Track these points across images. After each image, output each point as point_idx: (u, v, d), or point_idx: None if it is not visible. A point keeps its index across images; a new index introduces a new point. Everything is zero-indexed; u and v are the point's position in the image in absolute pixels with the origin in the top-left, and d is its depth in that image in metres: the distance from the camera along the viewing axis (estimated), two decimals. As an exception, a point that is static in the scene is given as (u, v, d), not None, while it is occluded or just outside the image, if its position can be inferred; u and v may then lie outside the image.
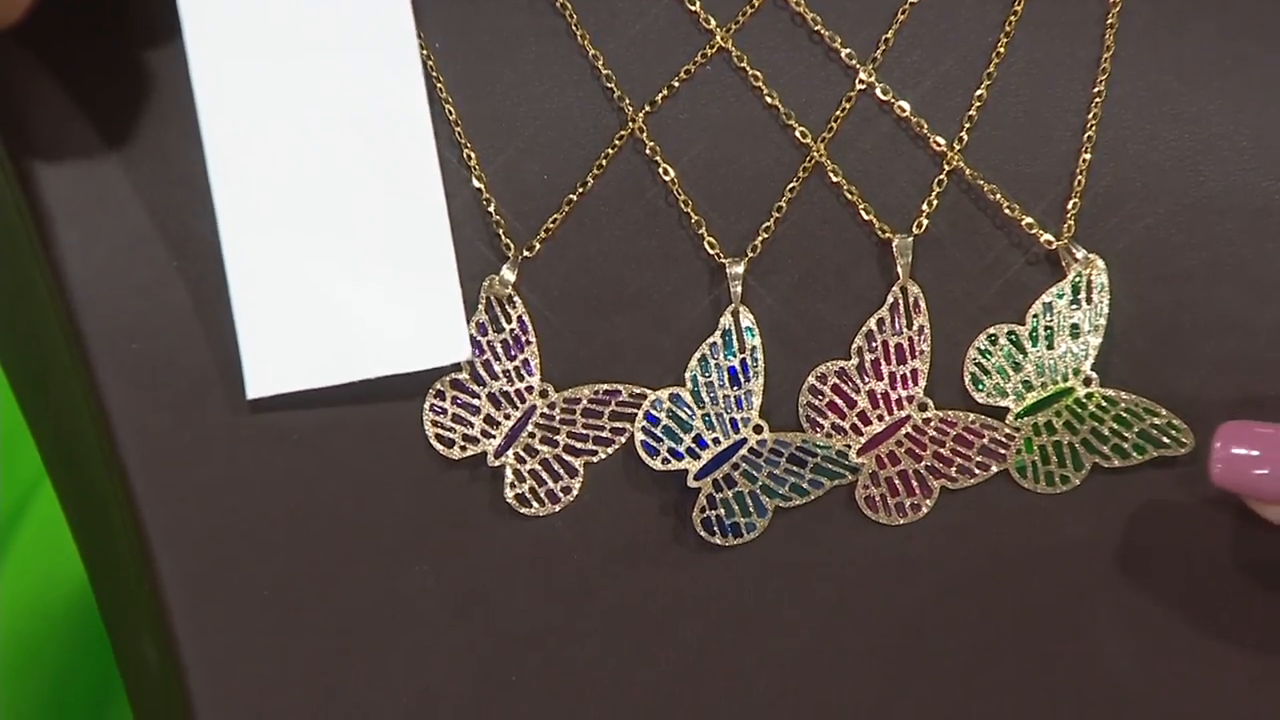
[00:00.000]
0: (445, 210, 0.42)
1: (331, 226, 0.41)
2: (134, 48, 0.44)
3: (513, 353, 0.44)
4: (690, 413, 0.44)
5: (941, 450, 0.45)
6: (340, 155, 0.41)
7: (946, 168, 0.44)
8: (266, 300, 0.41)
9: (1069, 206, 0.44)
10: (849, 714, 0.46)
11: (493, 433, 0.45)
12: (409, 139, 0.41)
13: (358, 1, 0.41)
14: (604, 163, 0.44)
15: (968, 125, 0.44)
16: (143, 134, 0.44)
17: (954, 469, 0.45)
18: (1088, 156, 0.44)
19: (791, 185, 0.44)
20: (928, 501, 0.45)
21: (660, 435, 0.44)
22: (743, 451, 0.44)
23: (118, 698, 0.57)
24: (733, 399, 0.44)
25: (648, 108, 0.44)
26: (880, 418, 0.45)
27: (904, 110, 0.44)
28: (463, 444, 0.45)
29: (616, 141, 0.44)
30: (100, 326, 0.45)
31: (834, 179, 0.44)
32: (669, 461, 0.44)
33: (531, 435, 0.45)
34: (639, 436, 0.44)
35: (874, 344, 0.44)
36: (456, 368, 0.44)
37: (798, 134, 0.44)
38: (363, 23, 0.41)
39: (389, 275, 0.40)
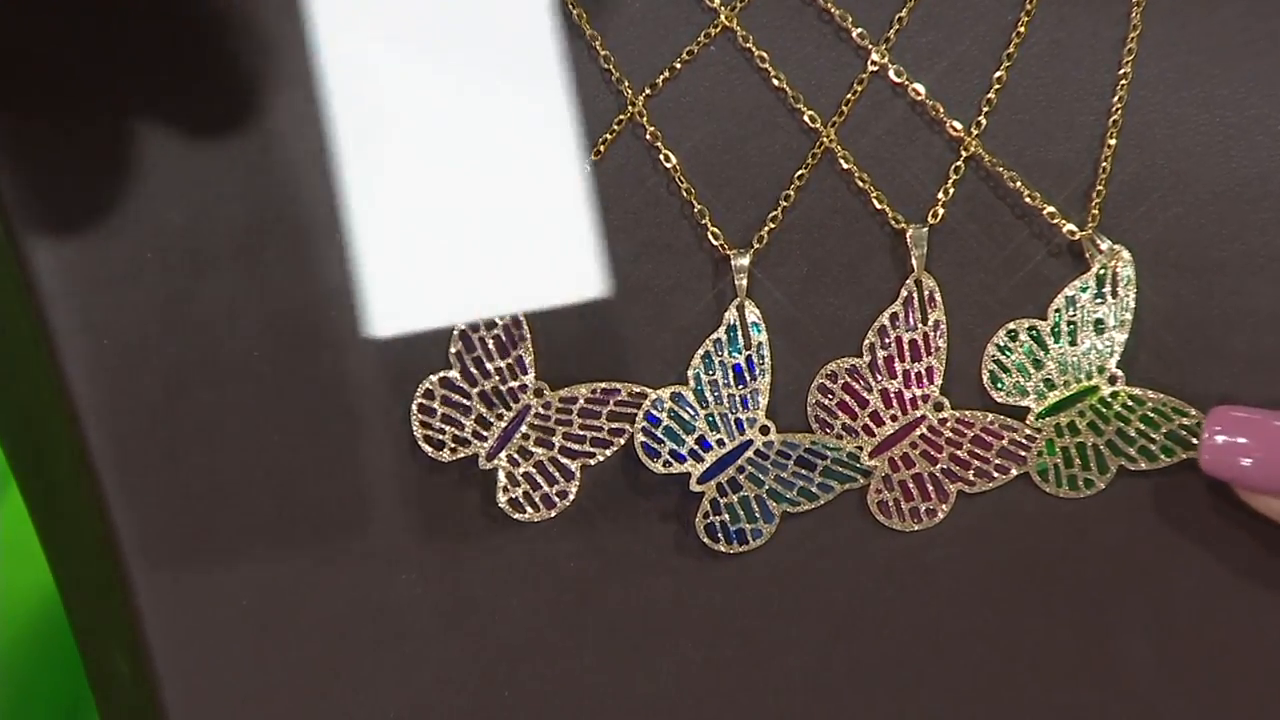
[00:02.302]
0: (578, 148, 0.40)
1: (455, 154, 0.39)
2: (104, 32, 0.44)
3: (506, 349, 0.44)
4: (693, 413, 0.44)
5: (958, 452, 0.44)
6: (468, 91, 0.39)
7: (964, 154, 0.44)
8: (390, 235, 0.39)
9: (1093, 195, 0.44)
10: (860, 730, 0.46)
11: (485, 434, 0.44)
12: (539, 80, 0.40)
13: None
14: (602, 148, 0.44)
15: (986, 109, 0.44)
16: (114, 121, 0.44)
17: (971, 472, 0.44)
18: (1113, 142, 0.44)
19: (800, 173, 0.44)
20: (944, 506, 0.45)
21: (661, 436, 0.44)
22: (748, 454, 0.44)
23: (87, 712, 0.57)
24: (738, 398, 0.44)
25: (648, 90, 0.44)
26: (894, 418, 0.44)
27: (919, 93, 0.44)
28: (453, 446, 0.44)
29: (615, 126, 0.44)
30: (70, 321, 0.44)
31: (845, 166, 0.44)
32: (670, 464, 0.44)
33: (525, 437, 0.44)
34: (639, 438, 0.44)
35: (887, 340, 0.44)
36: (446, 364, 0.44)
37: (806, 118, 0.44)
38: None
39: (516, 209, 0.39)
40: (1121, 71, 0.43)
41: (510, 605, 0.45)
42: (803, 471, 0.44)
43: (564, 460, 0.44)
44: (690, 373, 0.44)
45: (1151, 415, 0.43)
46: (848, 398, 0.44)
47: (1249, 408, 0.42)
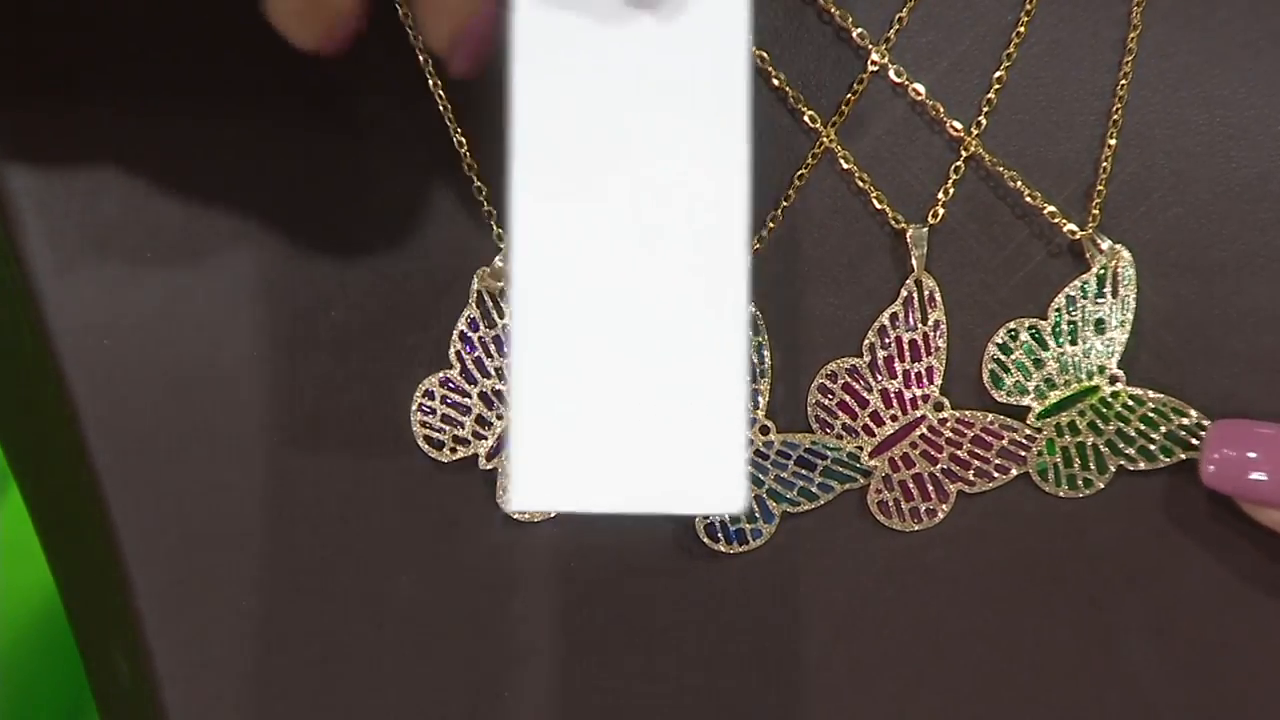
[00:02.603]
0: (746, 349, 0.39)
1: (625, 340, 0.38)
2: (105, 31, 0.43)
3: (506, 349, 0.43)
4: (693, 413, 0.43)
5: (958, 452, 0.44)
6: (644, 256, 0.38)
7: (964, 154, 0.43)
8: (547, 409, 0.39)
9: (1093, 195, 0.43)
10: (860, 730, 0.46)
11: (485, 434, 0.44)
12: (719, 244, 0.38)
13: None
14: (602, 148, 0.43)
15: (986, 109, 0.43)
16: (113, 118, 0.44)
17: (971, 472, 0.44)
18: (1113, 142, 0.43)
19: (800, 173, 0.44)
20: (944, 506, 0.44)
21: (662, 436, 0.43)
22: (748, 454, 0.43)
23: (87, 712, 0.57)
24: (738, 398, 0.43)
25: (648, 90, 0.43)
26: (894, 418, 0.44)
27: (919, 93, 0.43)
28: (453, 446, 0.44)
29: (615, 126, 0.43)
30: (69, 322, 0.44)
31: (845, 166, 0.44)
32: (671, 464, 0.43)
33: (526, 437, 0.44)
34: (639, 438, 0.43)
35: (887, 340, 0.44)
36: (447, 364, 0.44)
37: (806, 118, 0.44)
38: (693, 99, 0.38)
39: (675, 406, 0.38)
40: (1122, 72, 0.43)
41: (510, 605, 0.45)
42: (803, 471, 0.44)
43: (564, 460, 0.44)
44: (690, 373, 0.44)
45: (1151, 415, 0.43)
46: (848, 398, 0.44)
47: (1252, 420, 0.42)
